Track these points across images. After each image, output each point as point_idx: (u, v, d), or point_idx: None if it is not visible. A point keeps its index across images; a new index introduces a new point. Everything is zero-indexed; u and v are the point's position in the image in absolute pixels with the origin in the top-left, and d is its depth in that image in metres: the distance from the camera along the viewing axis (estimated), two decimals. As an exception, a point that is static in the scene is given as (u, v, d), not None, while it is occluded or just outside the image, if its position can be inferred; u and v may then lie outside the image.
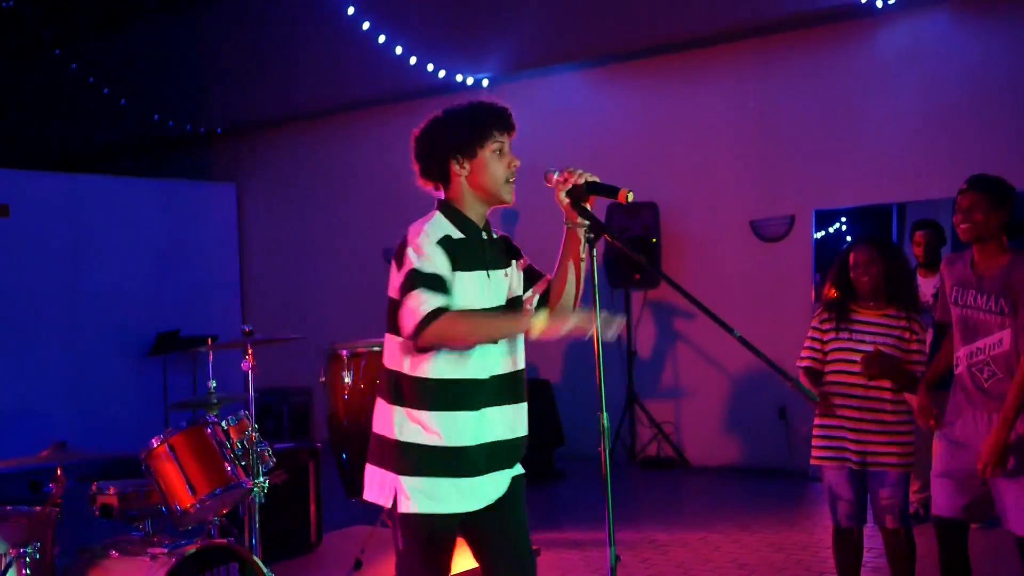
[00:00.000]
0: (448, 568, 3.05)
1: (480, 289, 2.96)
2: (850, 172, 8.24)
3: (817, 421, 4.48)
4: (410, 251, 2.90)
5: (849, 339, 4.43)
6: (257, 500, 4.32)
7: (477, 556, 3.12)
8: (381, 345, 5.38)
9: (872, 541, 4.96)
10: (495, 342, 2.92)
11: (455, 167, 2.99)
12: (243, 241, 12.25)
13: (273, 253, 12.00)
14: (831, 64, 8.35)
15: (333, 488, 5.96)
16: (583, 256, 2.96)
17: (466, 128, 2.98)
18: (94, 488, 4.04)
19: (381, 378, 3.03)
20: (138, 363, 10.80)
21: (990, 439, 3.79)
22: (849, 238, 8.66)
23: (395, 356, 2.98)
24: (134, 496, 4.01)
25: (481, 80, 9.58)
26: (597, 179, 2.92)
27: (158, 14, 12.22)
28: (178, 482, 3.94)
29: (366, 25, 9.84)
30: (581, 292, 3.03)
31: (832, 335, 4.48)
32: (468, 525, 3.04)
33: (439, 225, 2.98)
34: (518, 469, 3.10)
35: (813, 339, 4.56)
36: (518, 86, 9.43)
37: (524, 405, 3.08)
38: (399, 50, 9.80)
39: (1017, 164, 7.23)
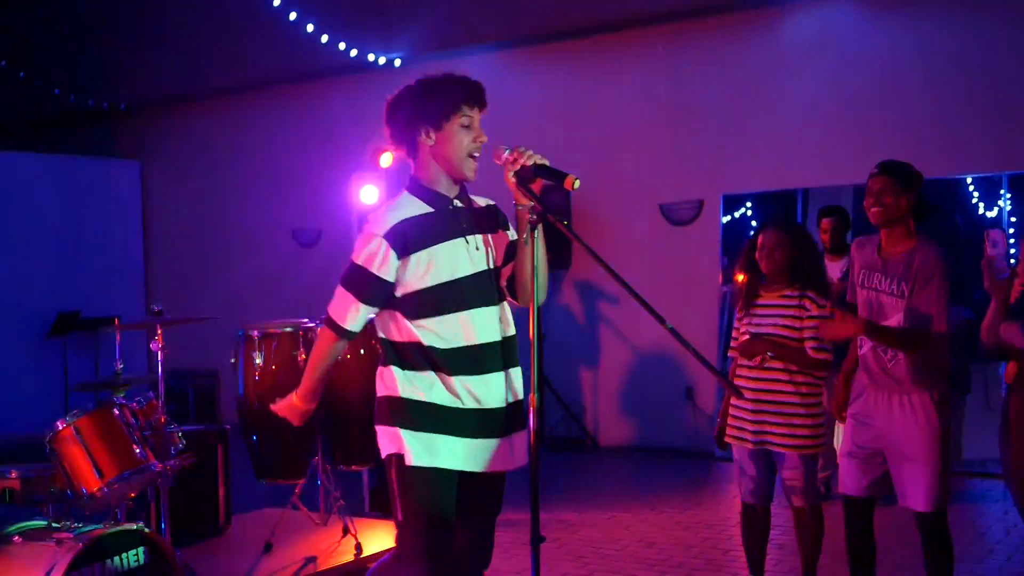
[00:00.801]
0: (451, 536, 3.04)
1: (460, 256, 3.01)
2: (758, 157, 8.39)
3: (730, 401, 4.58)
4: (362, 237, 3.00)
5: (750, 323, 4.52)
6: (167, 483, 4.23)
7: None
8: (293, 326, 5.42)
9: (779, 518, 5.07)
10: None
11: (422, 136, 3.03)
12: (147, 220, 11.98)
13: (178, 233, 11.75)
14: (740, 51, 8.48)
15: (241, 471, 5.87)
16: (525, 238, 2.97)
17: (435, 99, 3.01)
18: (-6, 472, 3.91)
19: (380, 347, 3.13)
20: (37, 344, 10.49)
21: (858, 325, 3.94)
22: (755, 223, 8.82)
23: (387, 327, 3.08)
24: (37, 480, 3.89)
25: (393, 60, 9.51)
26: (547, 162, 2.94)
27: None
28: (85, 465, 3.84)
29: (277, 1, 9.67)
30: (541, 276, 3.00)
31: (746, 321, 4.56)
32: (460, 486, 3.05)
33: (401, 207, 3.03)
34: (522, 458, 3.11)
35: (735, 328, 4.65)
36: (431, 66, 9.15)
37: (519, 369, 3.14)
38: (310, 28, 9.66)
39: (921, 152, 7.44)
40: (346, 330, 3.06)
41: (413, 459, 2.96)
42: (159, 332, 4.40)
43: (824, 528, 4.50)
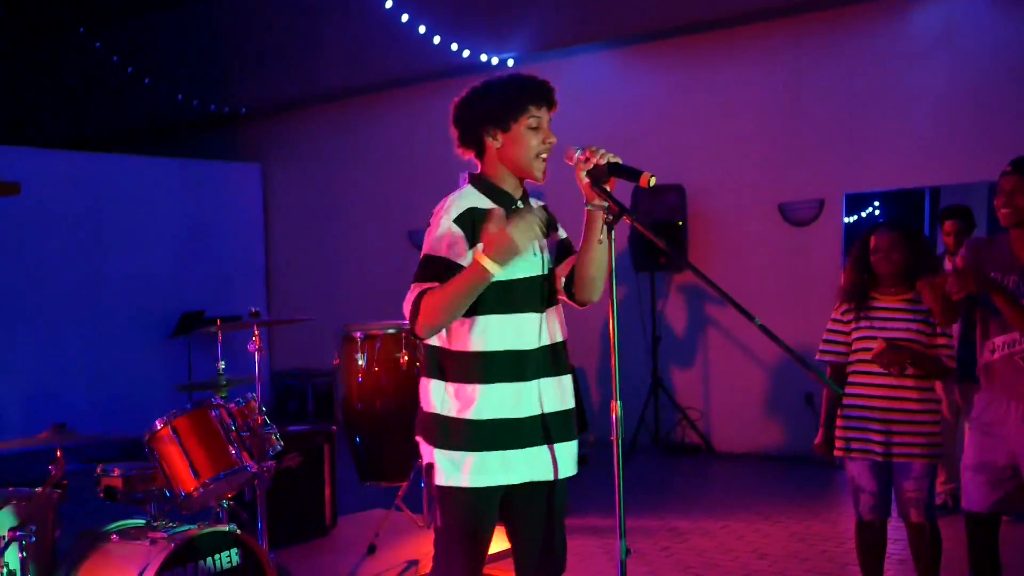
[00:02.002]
0: (486, 548, 2.99)
1: (526, 259, 2.88)
2: (882, 155, 8.06)
3: (842, 412, 4.35)
4: (429, 229, 2.90)
5: (870, 327, 4.27)
6: (263, 484, 4.23)
7: (511, 538, 3.09)
8: (396, 327, 5.40)
9: (898, 533, 4.82)
10: (466, 302, 2.78)
11: (488, 138, 2.96)
12: (268, 222, 12.21)
13: (298, 234, 11.95)
14: (863, 44, 8.16)
15: (348, 472, 5.89)
16: (601, 239, 2.86)
17: (501, 100, 2.93)
18: (99, 470, 3.96)
19: (421, 356, 3.00)
20: (162, 344, 10.78)
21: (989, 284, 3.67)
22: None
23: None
24: (138, 479, 3.92)
25: (507, 60, 9.45)
26: (619, 160, 2.82)
27: (183, -5, 12.20)
28: (181, 465, 3.85)
29: (389, 4, 9.73)
30: (604, 275, 2.94)
31: (853, 325, 4.33)
32: (507, 503, 2.99)
33: (465, 198, 2.95)
34: (568, 468, 3.01)
35: (833, 331, 4.40)
36: (544, 66, 9.27)
37: (567, 378, 3.03)
38: (423, 29, 9.69)
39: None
40: (415, 299, 2.82)
41: (444, 479, 2.89)
42: (256, 333, 4.40)
43: (942, 545, 4.25)
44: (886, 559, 4.48)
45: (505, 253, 2.68)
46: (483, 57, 9.49)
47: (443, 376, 2.92)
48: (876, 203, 8.50)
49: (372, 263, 11.06)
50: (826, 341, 4.41)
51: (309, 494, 5.66)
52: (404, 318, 2.84)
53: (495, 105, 2.93)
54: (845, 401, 4.34)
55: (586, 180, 2.82)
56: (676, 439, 8.90)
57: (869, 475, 4.26)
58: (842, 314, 4.39)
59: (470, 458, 2.87)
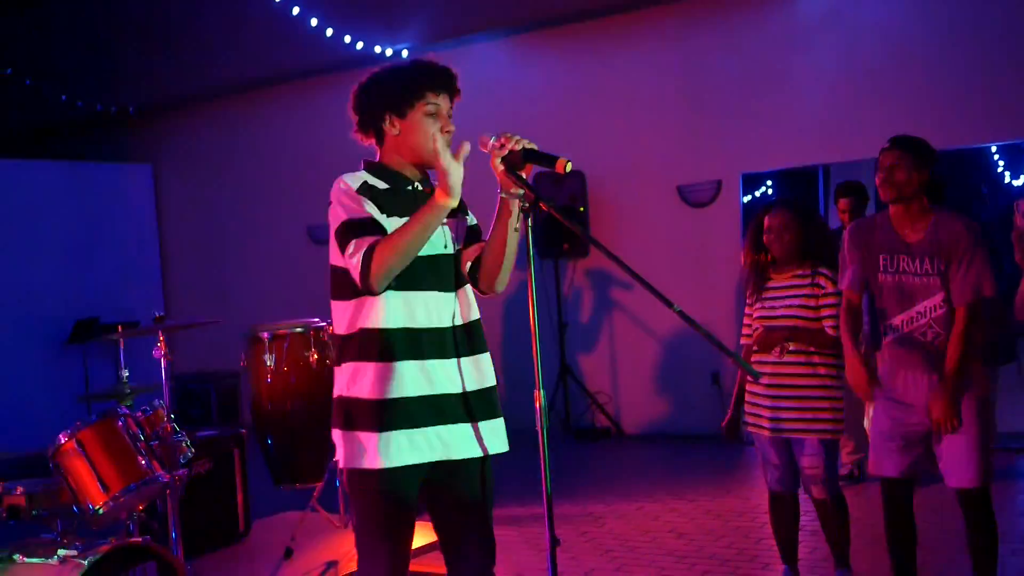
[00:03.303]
0: (409, 537, 2.90)
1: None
2: (776, 135, 8.21)
3: (747, 387, 4.44)
4: (334, 207, 2.83)
5: (762, 307, 4.36)
6: (176, 493, 4.11)
7: (438, 528, 3.00)
8: (304, 326, 5.30)
9: (809, 503, 4.92)
10: (424, 239, 2.74)
11: (386, 125, 2.90)
12: (162, 223, 11.90)
13: (194, 235, 11.66)
14: (753, 27, 8.29)
15: (260, 475, 5.77)
16: (516, 226, 2.82)
17: (398, 85, 2.88)
18: (0, 489, 3.80)
19: (334, 345, 2.89)
20: (55, 353, 10.43)
21: (942, 400, 3.75)
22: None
23: (342, 321, 2.89)
24: (43, 495, 3.77)
25: (400, 51, 9.36)
26: (535, 146, 2.78)
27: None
28: (89, 479, 3.71)
29: (278, -3, 9.55)
30: (511, 266, 2.92)
31: (756, 307, 4.41)
32: (430, 489, 2.91)
33: (358, 178, 2.89)
34: (497, 445, 2.96)
35: (746, 315, 4.49)
36: (439, 56, 9.03)
37: (485, 356, 2.98)
38: (314, 22, 9.53)
39: (941, 121, 7.28)
40: (365, 250, 2.72)
41: (353, 461, 2.81)
42: (161, 338, 4.28)
43: (849, 515, 4.35)
44: (800, 530, 4.58)
45: (453, 181, 2.67)
46: (377, 49, 9.37)
47: (352, 357, 2.84)
48: (769, 183, 8.65)
49: (271, 261, 10.87)
50: (744, 324, 4.49)
51: (221, 500, 5.53)
52: (355, 281, 2.74)
53: (392, 90, 2.88)
54: (747, 380, 4.43)
55: (501, 167, 2.78)
56: (587, 424, 8.95)
57: (771, 448, 4.35)
58: (748, 296, 4.48)
59: (378, 438, 2.77)
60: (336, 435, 2.90)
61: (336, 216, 2.81)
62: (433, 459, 2.84)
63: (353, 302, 2.85)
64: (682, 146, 8.63)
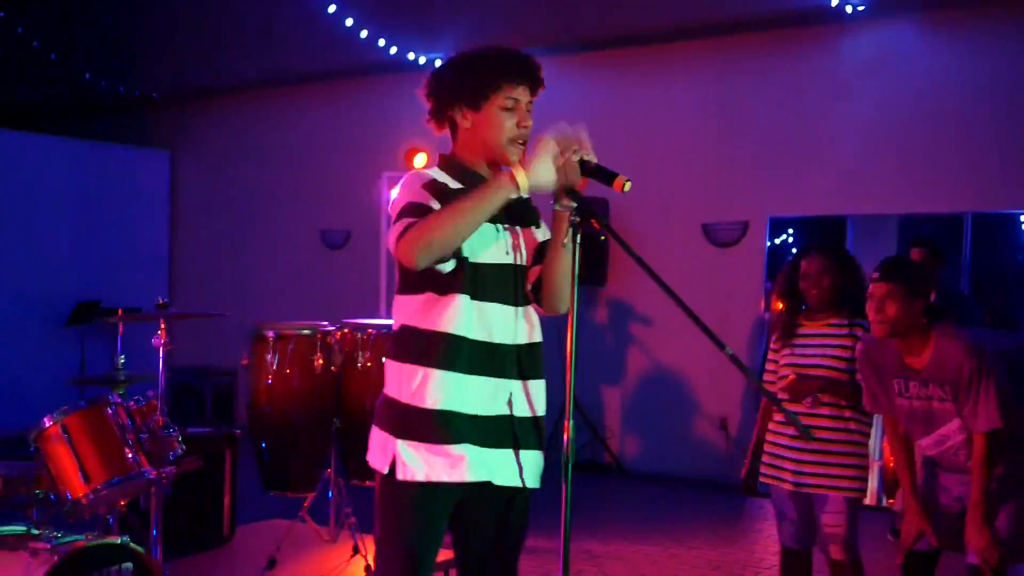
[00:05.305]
0: (435, 554, 2.69)
1: (487, 240, 2.62)
2: (807, 181, 8.03)
3: (768, 438, 4.21)
4: (400, 194, 2.62)
5: (791, 355, 4.14)
6: (161, 491, 3.90)
7: (457, 547, 2.79)
8: (311, 328, 5.09)
9: (822, 562, 4.69)
10: (478, 219, 2.51)
11: (459, 117, 2.69)
12: (174, 212, 11.73)
13: (206, 226, 11.48)
14: (794, 68, 8.14)
15: (249, 479, 5.55)
16: (565, 242, 2.61)
17: (473, 76, 2.66)
18: (-24, 471, 3.58)
19: (391, 342, 2.71)
20: (54, 334, 10.22)
21: (975, 531, 3.53)
22: (795, 249, 8.45)
23: (406, 316, 2.67)
24: (20, 480, 3.55)
25: (434, 60, 9.20)
26: (595, 159, 2.57)
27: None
28: (71, 468, 3.49)
29: (316, -7, 9.40)
30: (570, 281, 2.63)
31: (782, 352, 4.20)
32: (460, 508, 2.69)
33: (430, 173, 2.69)
34: (532, 480, 2.75)
35: (769, 360, 4.27)
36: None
37: (540, 383, 2.76)
38: (350, 22, 9.37)
39: (977, 183, 7.13)
40: (409, 223, 2.53)
41: (406, 472, 2.58)
42: (163, 326, 4.07)
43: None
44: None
45: (536, 180, 2.50)
46: (411, 56, 9.22)
47: (411, 359, 2.62)
48: (791, 230, 8.47)
49: (281, 261, 10.68)
50: (765, 371, 4.28)
51: (207, 502, 5.32)
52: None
53: (466, 79, 2.66)
54: (768, 428, 4.21)
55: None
56: (587, 457, 8.72)
57: (790, 503, 4.12)
58: (774, 342, 4.27)
59: (426, 449, 2.58)
60: (377, 436, 2.69)
61: (397, 203, 2.60)
62: (476, 479, 2.63)
63: (421, 298, 2.63)
64: (710, 184, 8.44)
